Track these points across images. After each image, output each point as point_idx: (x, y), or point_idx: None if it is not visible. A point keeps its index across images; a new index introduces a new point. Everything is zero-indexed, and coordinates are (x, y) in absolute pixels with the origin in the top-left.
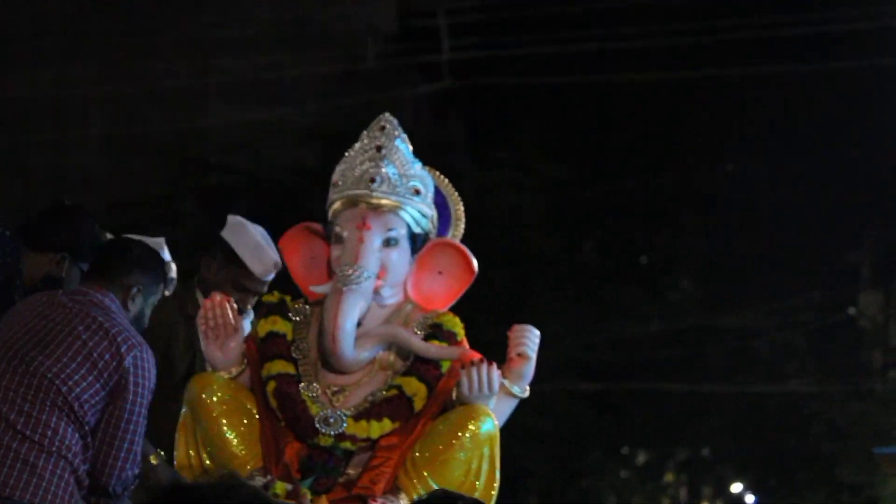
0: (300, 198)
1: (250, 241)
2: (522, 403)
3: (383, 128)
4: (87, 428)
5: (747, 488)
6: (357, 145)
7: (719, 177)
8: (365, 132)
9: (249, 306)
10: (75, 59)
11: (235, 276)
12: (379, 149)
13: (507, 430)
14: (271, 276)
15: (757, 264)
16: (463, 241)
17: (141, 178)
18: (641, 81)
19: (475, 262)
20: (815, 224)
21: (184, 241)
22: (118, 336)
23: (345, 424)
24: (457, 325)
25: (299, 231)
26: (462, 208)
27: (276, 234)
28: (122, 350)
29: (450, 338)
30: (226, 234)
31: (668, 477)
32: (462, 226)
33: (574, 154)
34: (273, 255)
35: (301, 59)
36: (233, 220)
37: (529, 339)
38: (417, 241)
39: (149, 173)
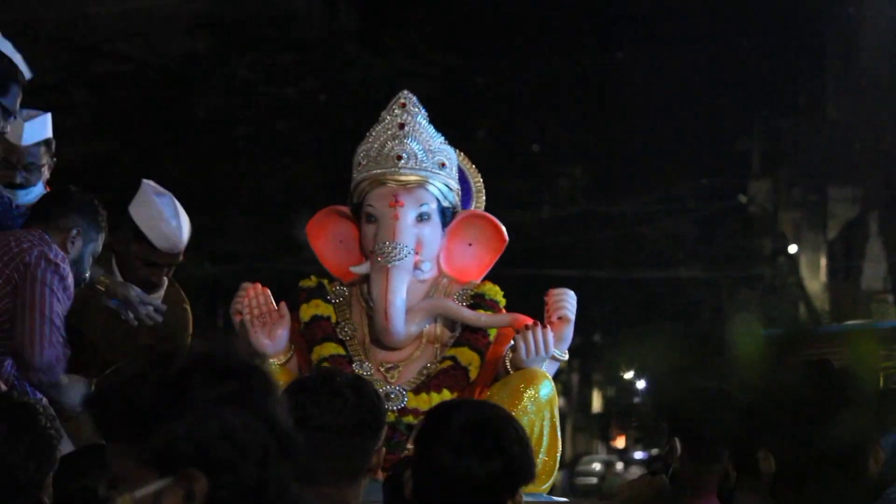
0: (191, 85)
1: (154, 215)
2: None
3: (403, 105)
4: None
5: (638, 374)
6: (378, 126)
7: (609, 64)
8: (384, 111)
9: (164, 279)
10: None
11: (142, 252)
12: (402, 126)
13: None
14: (180, 248)
15: (646, 152)
16: (347, 125)
17: (31, 66)
18: None
19: (505, 231)
20: (704, 112)
21: (75, 129)
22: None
23: (406, 399)
24: (498, 294)
25: (325, 215)
26: (481, 180)
27: (172, 128)
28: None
29: (493, 306)
30: (132, 208)
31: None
32: (483, 198)
33: (466, 42)
34: (178, 227)
35: None
36: (143, 190)
37: (568, 302)
38: (447, 215)
39: (39, 61)
